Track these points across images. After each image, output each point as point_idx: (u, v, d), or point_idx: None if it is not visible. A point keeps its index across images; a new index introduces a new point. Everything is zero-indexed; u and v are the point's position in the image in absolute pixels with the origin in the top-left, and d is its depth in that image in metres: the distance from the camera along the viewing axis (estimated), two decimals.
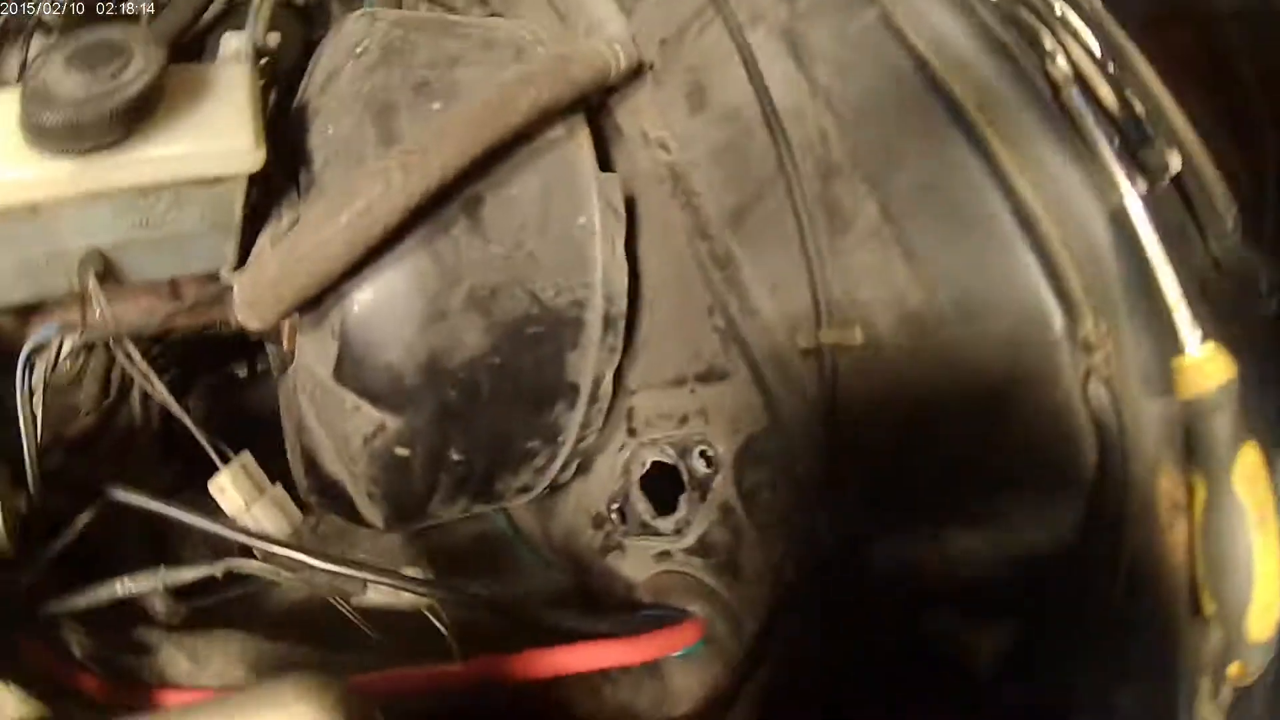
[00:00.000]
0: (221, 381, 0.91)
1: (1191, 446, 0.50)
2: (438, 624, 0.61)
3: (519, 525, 0.90)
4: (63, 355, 0.65)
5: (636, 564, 0.74)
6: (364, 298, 0.60)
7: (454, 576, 0.80)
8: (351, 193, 0.55)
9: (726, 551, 0.68)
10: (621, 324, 0.67)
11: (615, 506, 0.74)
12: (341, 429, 0.64)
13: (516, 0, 0.80)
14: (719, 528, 0.68)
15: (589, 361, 0.66)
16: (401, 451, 0.63)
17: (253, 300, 0.59)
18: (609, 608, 0.74)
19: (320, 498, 0.72)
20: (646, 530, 0.73)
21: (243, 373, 0.91)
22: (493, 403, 0.64)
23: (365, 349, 0.61)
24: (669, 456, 0.71)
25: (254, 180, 0.60)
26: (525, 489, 0.73)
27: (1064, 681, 0.53)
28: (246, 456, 0.67)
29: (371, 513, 0.69)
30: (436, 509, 0.70)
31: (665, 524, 0.71)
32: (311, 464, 0.70)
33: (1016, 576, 0.55)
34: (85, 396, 0.69)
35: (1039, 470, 0.53)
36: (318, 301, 0.61)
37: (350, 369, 0.61)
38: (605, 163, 0.68)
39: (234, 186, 0.59)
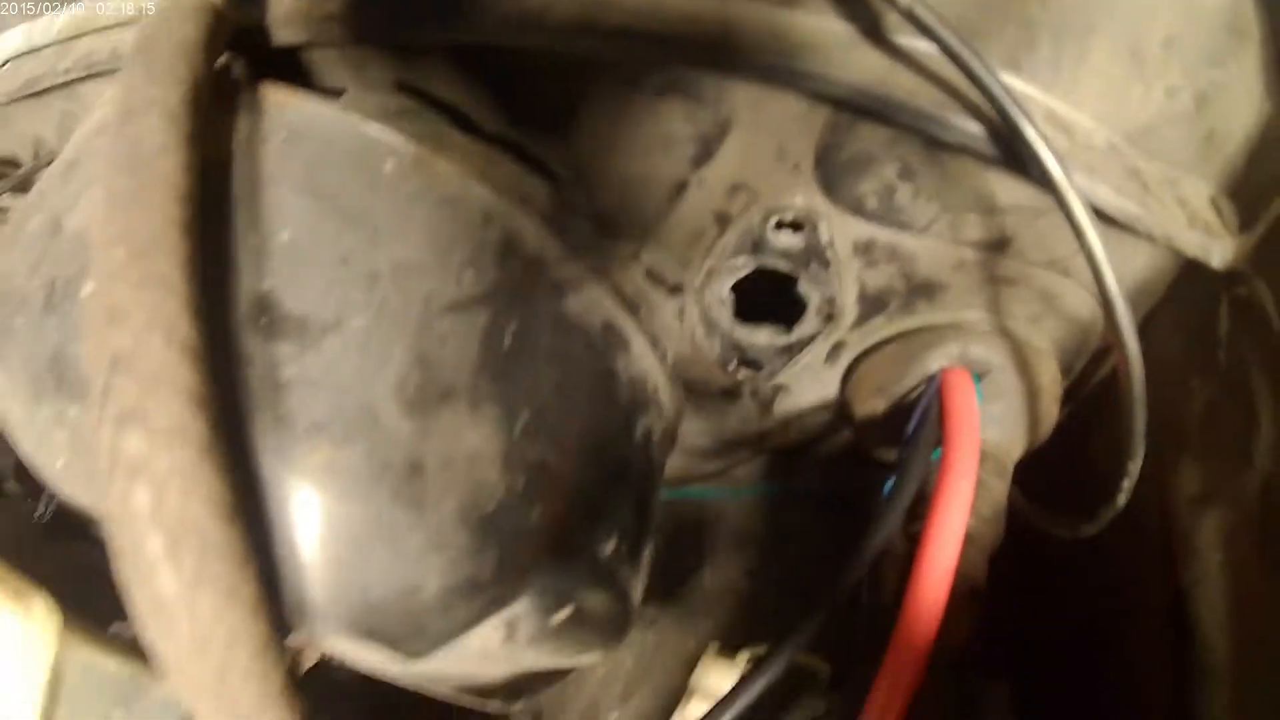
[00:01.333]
0: None
1: None
2: None
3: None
4: None
5: (814, 384, 0.54)
6: None
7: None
8: None
9: (905, 281, 0.48)
10: None
11: (731, 363, 0.52)
12: None
13: None
14: (874, 269, 0.47)
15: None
16: None
17: None
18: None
19: None
20: (791, 352, 0.51)
21: None
22: None
23: None
24: (741, 267, 0.48)
25: None
26: None
27: None
28: None
29: None
30: None
31: (808, 324, 0.50)
32: None
33: None
34: None
35: None
36: None
37: None
38: None
39: None
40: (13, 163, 0.64)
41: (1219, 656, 0.44)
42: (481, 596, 0.36)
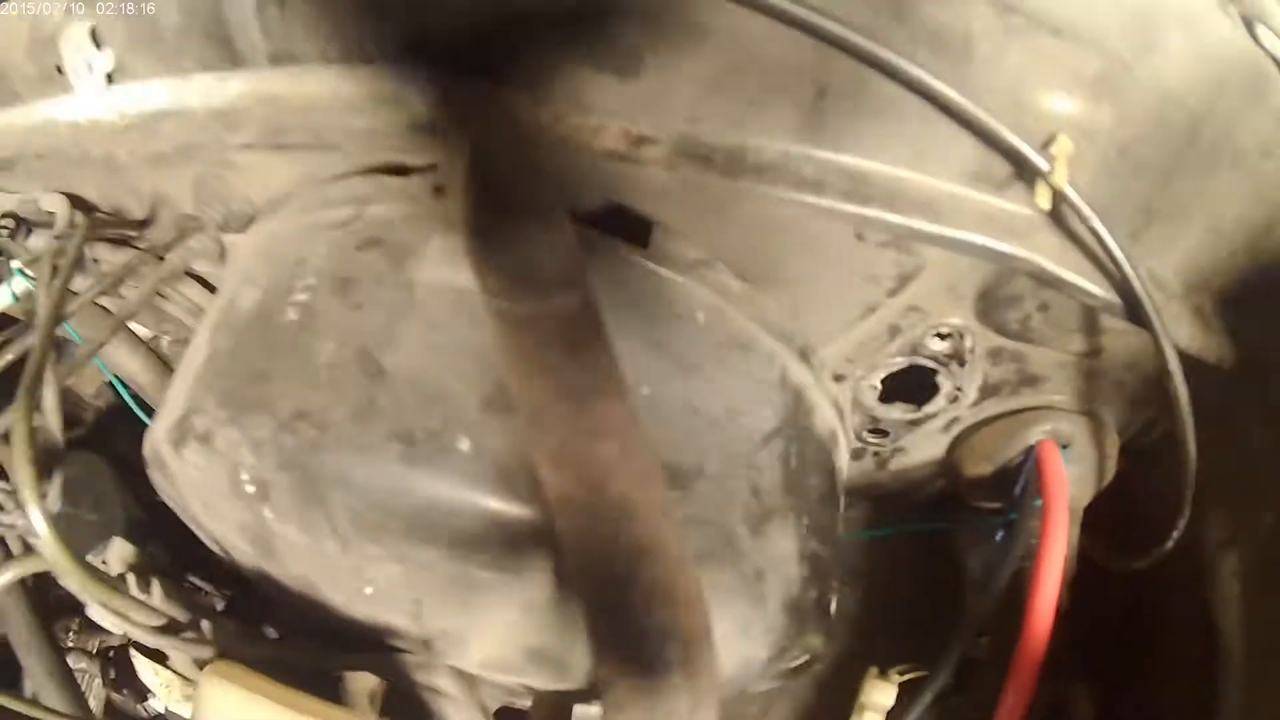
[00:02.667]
0: None
1: None
2: None
3: None
4: None
5: (928, 447, 0.67)
6: None
7: None
8: None
9: (1018, 375, 0.61)
10: None
11: (867, 432, 0.65)
12: None
13: None
14: (997, 367, 0.61)
15: None
16: None
17: None
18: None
19: None
20: (917, 424, 0.65)
21: None
22: None
23: None
24: (896, 364, 0.61)
25: None
26: None
27: None
28: None
29: None
30: None
31: (936, 404, 0.63)
32: None
33: None
34: None
35: None
36: None
37: None
38: None
39: None
40: (119, 214, 0.61)
41: (1237, 664, 0.60)
42: (782, 660, 0.48)
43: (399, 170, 0.48)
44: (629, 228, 0.48)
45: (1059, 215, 0.49)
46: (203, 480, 0.44)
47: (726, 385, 0.46)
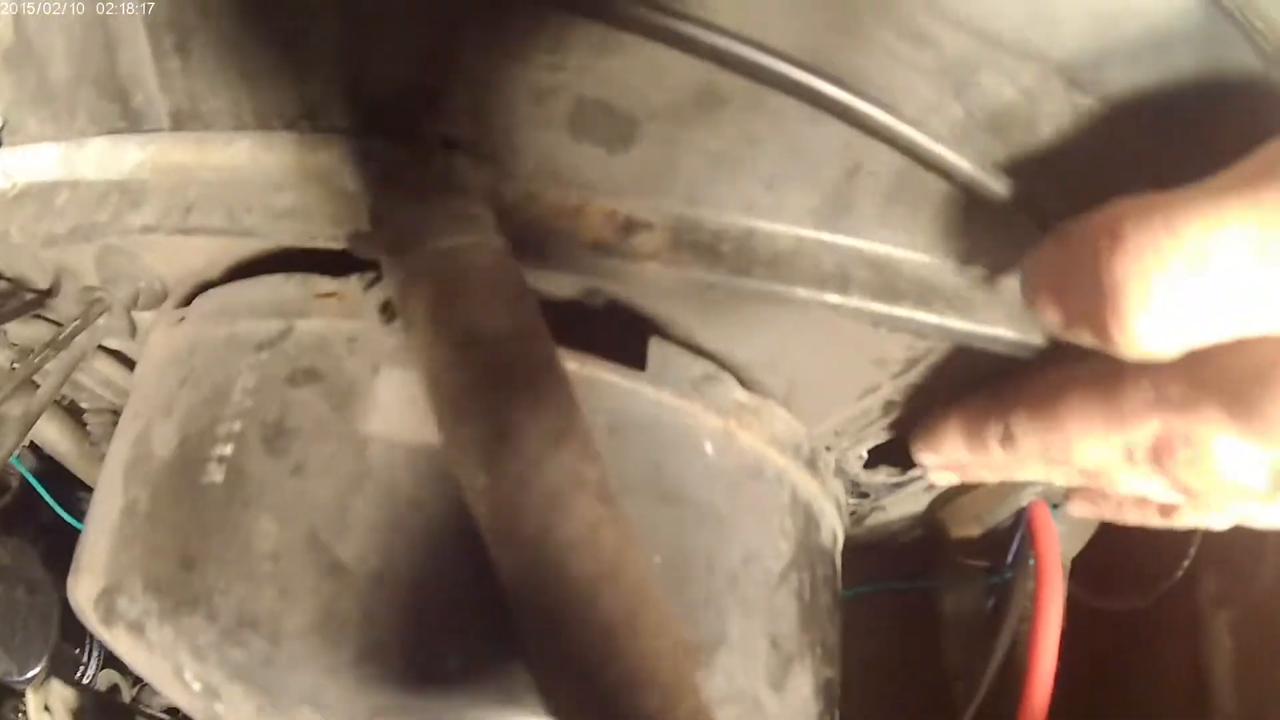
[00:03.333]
0: None
1: None
2: None
3: None
4: None
5: (907, 505, 0.62)
6: None
7: None
8: None
9: None
10: None
11: (849, 500, 0.60)
12: None
13: None
14: None
15: None
16: None
17: None
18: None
19: None
20: (900, 486, 0.60)
21: None
22: None
23: None
24: (887, 436, 0.55)
25: None
26: None
27: None
28: None
29: None
30: None
31: (918, 469, 0.58)
32: None
33: None
34: None
35: None
36: None
37: None
38: None
39: None
40: (21, 284, 0.52)
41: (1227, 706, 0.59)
42: None
43: (334, 264, 0.38)
44: (619, 338, 0.40)
45: None
46: (140, 664, 0.36)
47: (742, 526, 0.39)
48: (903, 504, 0.62)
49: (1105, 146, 0.38)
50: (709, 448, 0.39)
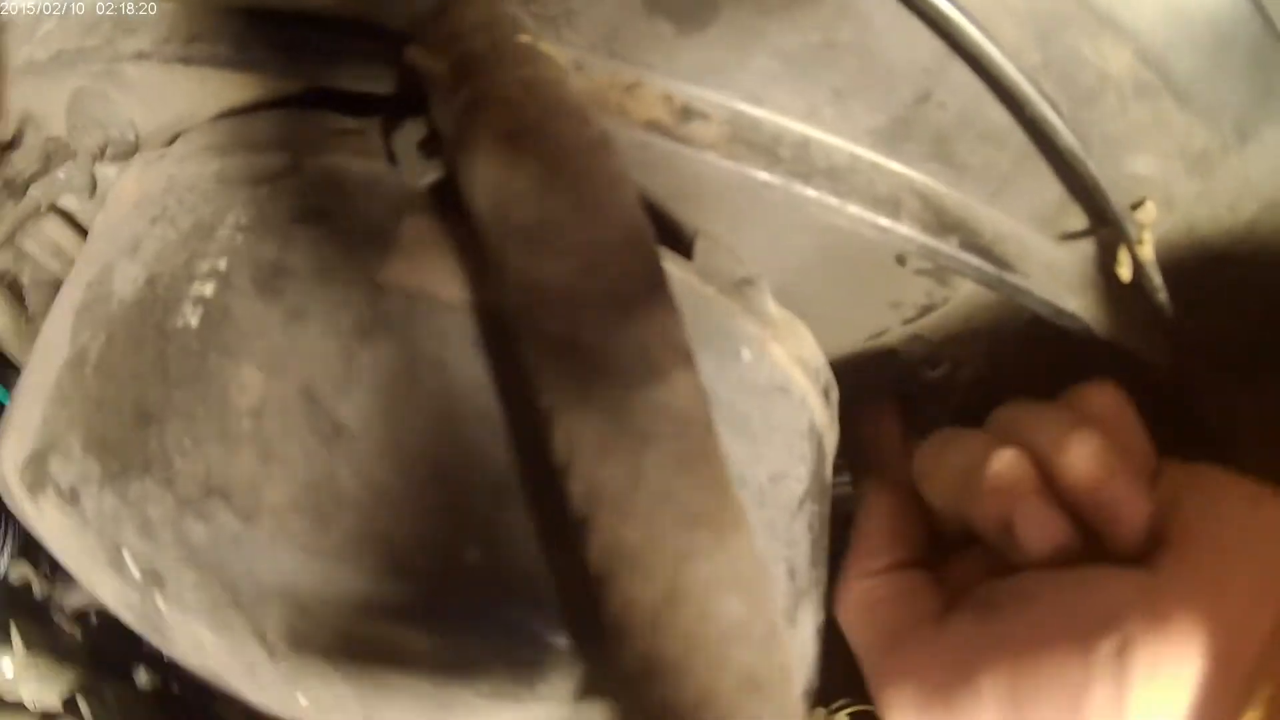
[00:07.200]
0: None
1: None
2: None
3: None
4: None
5: None
6: None
7: None
8: None
9: None
10: None
11: None
12: None
13: None
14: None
15: None
16: None
17: None
18: None
19: None
20: None
21: None
22: None
23: None
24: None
25: None
26: None
27: None
28: None
29: None
30: None
31: None
32: None
33: None
34: None
35: None
36: None
37: None
38: None
39: None
40: None
41: None
42: None
43: (357, 102, 0.33)
44: (666, 229, 0.36)
45: (1136, 284, 0.42)
46: (69, 543, 0.29)
47: (771, 443, 0.35)
48: None
49: (1157, 124, 0.38)
50: (746, 354, 0.35)
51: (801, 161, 0.35)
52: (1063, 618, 0.32)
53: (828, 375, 0.42)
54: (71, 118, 0.40)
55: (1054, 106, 0.34)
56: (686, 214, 0.37)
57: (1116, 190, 0.38)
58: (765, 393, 0.34)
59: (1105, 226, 0.41)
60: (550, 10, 0.33)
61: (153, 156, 0.36)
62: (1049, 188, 0.39)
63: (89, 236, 0.39)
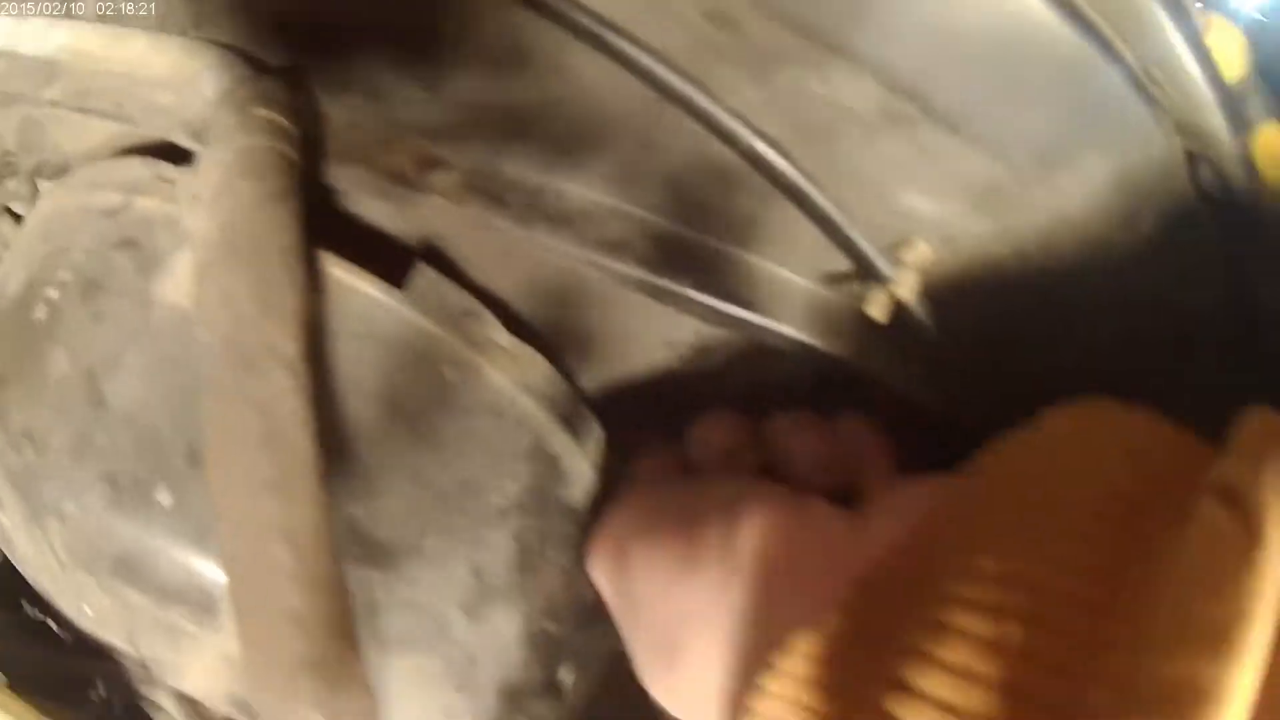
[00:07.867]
0: None
1: None
2: None
3: None
4: None
5: None
6: None
7: None
8: None
9: None
10: None
11: None
12: None
13: None
14: None
15: None
16: None
17: None
18: None
19: None
20: None
21: None
22: None
23: None
24: None
25: None
26: None
27: None
28: None
29: None
30: None
31: None
32: None
33: None
34: None
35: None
36: None
37: None
38: None
39: None
40: None
41: None
42: None
43: (182, 157, 0.43)
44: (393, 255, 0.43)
45: (899, 324, 0.41)
46: None
47: (465, 454, 0.41)
48: None
49: (923, 157, 0.35)
50: (448, 374, 0.41)
51: (530, 209, 0.42)
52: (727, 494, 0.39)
53: (572, 406, 0.46)
54: (18, 139, 0.52)
55: (773, 143, 0.35)
56: (453, 254, 0.45)
57: (873, 228, 0.38)
58: (467, 409, 0.41)
59: (865, 269, 0.40)
60: (334, 79, 0.41)
61: (59, 184, 0.48)
62: (805, 228, 0.39)
63: (10, 247, 0.51)
